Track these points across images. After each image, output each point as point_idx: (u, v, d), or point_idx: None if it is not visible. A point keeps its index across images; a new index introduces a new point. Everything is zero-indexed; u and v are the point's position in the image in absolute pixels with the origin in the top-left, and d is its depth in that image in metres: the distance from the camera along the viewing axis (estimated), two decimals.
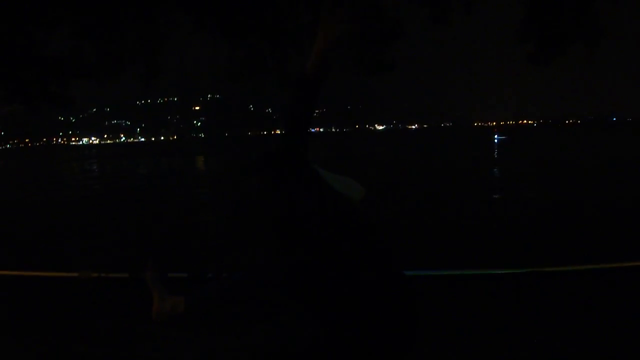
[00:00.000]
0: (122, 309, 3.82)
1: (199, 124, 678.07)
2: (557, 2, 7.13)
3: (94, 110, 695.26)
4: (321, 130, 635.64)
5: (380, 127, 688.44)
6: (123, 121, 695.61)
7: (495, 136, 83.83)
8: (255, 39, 7.51)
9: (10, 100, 7.35)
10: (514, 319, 4.27)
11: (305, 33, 7.36)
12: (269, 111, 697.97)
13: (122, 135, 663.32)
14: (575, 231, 9.52)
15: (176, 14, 7.01)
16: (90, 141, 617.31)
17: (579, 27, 7.17)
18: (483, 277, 4.55)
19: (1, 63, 7.20)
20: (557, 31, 7.33)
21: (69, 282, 3.57)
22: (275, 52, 7.51)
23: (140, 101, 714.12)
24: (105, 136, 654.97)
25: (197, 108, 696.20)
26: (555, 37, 7.36)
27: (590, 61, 7.21)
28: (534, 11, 7.43)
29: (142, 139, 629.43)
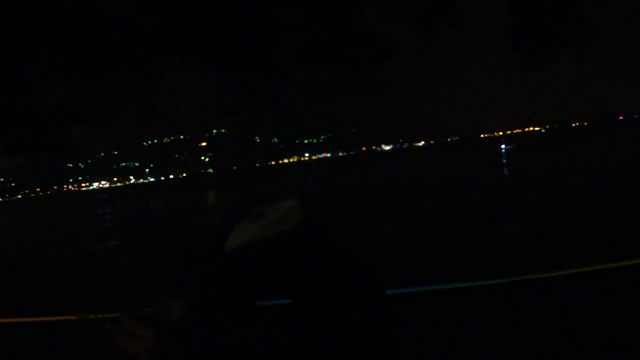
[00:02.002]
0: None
1: (207, 159, 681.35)
2: (543, 7, 7.17)
3: (102, 154, 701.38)
4: (328, 155, 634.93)
5: (387, 147, 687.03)
6: (131, 163, 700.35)
7: (502, 146, 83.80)
8: (247, 72, 7.57)
9: (11, 152, 7.43)
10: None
11: (295, 61, 7.42)
12: (274, 141, 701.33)
13: (131, 177, 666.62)
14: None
15: (165, 53, 7.08)
16: (101, 185, 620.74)
17: (566, 30, 7.20)
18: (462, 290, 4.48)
19: (0, 116, 7.29)
20: (545, 36, 7.36)
21: (69, 325, 3.58)
22: (268, 83, 7.55)
23: (147, 142, 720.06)
24: (115, 179, 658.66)
25: (204, 144, 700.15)
26: (544, 42, 7.39)
27: (580, 63, 7.23)
28: (521, 18, 7.46)
29: (152, 179, 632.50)
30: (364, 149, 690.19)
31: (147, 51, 6.84)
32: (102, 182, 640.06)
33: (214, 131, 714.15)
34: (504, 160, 45.29)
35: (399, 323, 1.99)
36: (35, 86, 7.38)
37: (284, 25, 7.09)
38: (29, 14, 6.59)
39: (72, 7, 6.57)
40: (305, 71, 7.68)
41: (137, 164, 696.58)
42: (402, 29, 7.67)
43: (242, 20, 6.97)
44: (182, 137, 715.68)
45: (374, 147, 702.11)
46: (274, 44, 7.11)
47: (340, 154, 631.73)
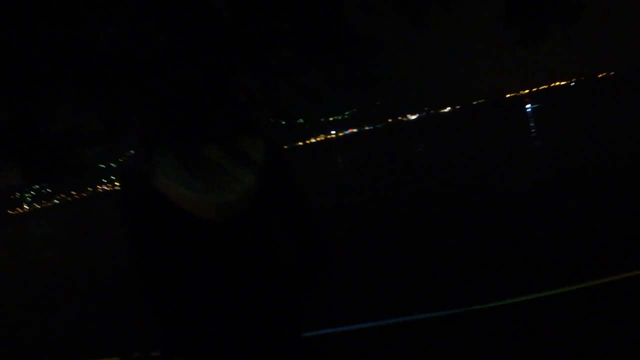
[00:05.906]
0: None
1: None
2: None
3: (132, 152, 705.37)
4: (355, 131, 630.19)
5: (413, 117, 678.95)
6: None
7: (527, 106, 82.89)
8: (242, 76, 7.75)
9: (32, 181, 7.73)
10: None
11: (289, 66, 7.57)
12: (300, 122, 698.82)
13: None
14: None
15: (164, 74, 7.26)
16: None
17: (556, 8, 7.23)
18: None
19: (16, 146, 7.55)
20: (537, 15, 7.40)
21: None
22: (264, 87, 7.72)
23: None
24: None
25: None
26: (537, 20, 7.43)
27: (568, 39, 7.24)
28: None
29: None
30: (389, 120, 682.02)
31: (146, 69, 7.03)
32: None
33: None
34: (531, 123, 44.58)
35: None
36: (44, 115, 7.64)
37: (275, 32, 7.20)
38: (31, 44, 6.81)
39: (72, 36, 6.79)
40: (300, 74, 7.79)
41: None
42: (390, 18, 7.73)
43: (236, 30, 7.12)
44: None
45: (399, 118, 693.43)
46: (267, 51, 7.23)
47: (367, 127, 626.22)
